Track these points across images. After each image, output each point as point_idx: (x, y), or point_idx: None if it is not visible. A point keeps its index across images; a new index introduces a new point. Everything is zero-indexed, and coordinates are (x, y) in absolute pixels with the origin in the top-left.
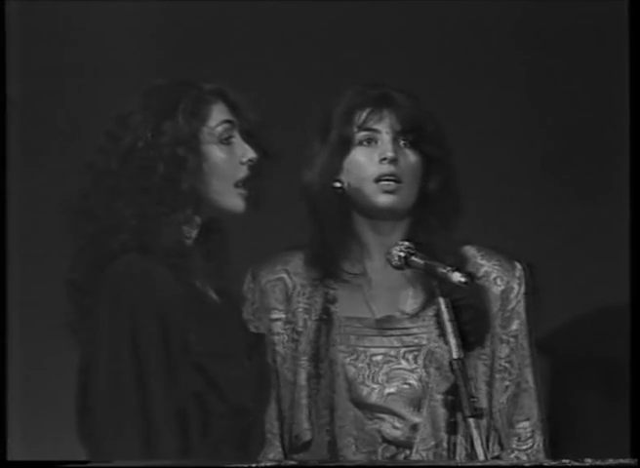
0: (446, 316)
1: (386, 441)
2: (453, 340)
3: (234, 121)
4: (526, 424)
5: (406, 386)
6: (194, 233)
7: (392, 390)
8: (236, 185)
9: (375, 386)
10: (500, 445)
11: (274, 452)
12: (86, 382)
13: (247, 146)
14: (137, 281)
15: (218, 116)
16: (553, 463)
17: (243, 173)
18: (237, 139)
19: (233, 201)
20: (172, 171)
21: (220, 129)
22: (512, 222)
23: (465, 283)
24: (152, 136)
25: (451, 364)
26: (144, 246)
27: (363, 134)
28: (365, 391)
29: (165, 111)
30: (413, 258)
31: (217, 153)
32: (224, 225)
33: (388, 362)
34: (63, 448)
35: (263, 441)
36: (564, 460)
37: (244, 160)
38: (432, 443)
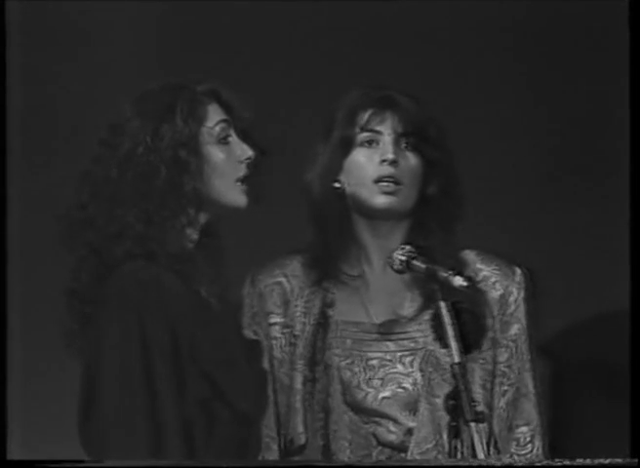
0: (447, 320)
1: (381, 444)
2: (454, 344)
3: (229, 120)
4: (525, 429)
5: (401, 390)
6: (196, 236)
7: (387, 394)
8: (237, 182)
9: (370, 390)
10: (497, 448)
11: (272, 457)
12: (90, 391)
13: (244, 145)
14: (145, 287)
15: (214, 116)
16: (550, 463)
17: (242, 171)
18: (234, 139)
19: (235, 197)
20: (174, 174)
21: (217, 128)
22: (513, 227)
23: (467, 287)
24: (152, 140)
25: (452, 368)
26: (149, 253)
27: (365, 135)
28: (360, 395)
29: (162, 115)
30: (414, 262)
31: (216, 153)
32: (221, 229)
33: (384, 366)
34: (63, 448)
35: (260, 447)
36: (562, 460)
37: (242, 158)
38: (427, 446)
